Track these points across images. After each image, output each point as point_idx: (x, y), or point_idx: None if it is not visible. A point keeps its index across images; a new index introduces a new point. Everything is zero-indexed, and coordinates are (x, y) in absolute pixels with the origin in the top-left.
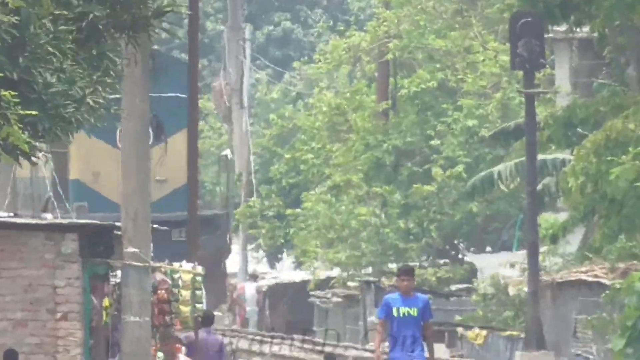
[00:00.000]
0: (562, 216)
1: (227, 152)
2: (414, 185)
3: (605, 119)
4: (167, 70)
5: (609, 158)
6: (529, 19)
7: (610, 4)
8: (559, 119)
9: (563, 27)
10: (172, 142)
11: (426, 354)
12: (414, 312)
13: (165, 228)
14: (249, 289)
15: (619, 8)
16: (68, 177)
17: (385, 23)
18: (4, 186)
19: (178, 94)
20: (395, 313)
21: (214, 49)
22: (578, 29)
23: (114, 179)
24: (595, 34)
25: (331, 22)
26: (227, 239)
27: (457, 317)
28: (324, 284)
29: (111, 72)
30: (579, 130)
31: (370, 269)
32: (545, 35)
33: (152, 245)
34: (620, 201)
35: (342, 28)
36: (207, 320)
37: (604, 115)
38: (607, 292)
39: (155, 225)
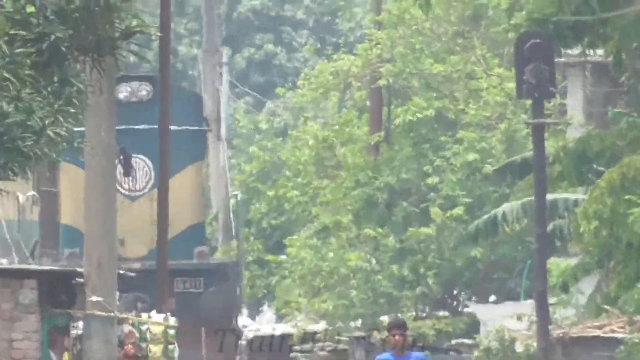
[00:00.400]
0: (575, 262)
1: (237, 193)
2: (410, 228)
3: (622, 153)
4: (172, 100)
5: (626, 197)
6: (538, 41)
7: (627, 23)
8: (571, 153)
9: (576, 51)
10: (177, 179)
11: None
12: None
13: (132, 274)
14: None
15: (636, 28)
16: (59, 221)
17: (377, 46)
18: None
19: (184, 127)
20: None
21: (188, 75)
22: (592, 52)
23: None
24: (611, 58)
25: (318, 45)
26: (238, 291)
27: None
28: (308, 337)
29: (74, 101)
30: (594, 165)
31: (360, 322)
32: (556, 60)
33: (151, 295)
34: (638, 247)
35: (329, 51)
36: None
37: (622, 150)
38: (622, 347)
39: (122, 272)
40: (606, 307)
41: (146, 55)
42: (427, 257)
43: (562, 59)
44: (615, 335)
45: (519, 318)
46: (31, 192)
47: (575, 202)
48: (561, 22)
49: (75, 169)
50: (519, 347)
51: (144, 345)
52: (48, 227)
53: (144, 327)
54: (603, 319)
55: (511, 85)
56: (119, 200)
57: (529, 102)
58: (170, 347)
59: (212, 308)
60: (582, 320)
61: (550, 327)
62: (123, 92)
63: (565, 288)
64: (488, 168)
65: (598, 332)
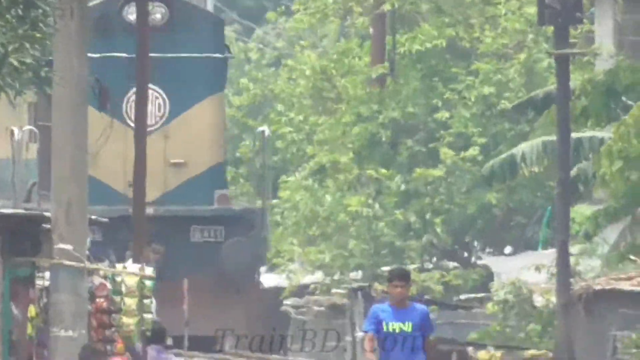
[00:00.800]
0: (600, 209)
1: (264, 127)
2: (417, 169)
3: None
4: (190, 24)
5: None
6: None
7: None
8: (599, 86)
9: None
10: (192, 114)
11: None
12: (408, 327)
13: (105, 220)
14: None
15: None
16: None
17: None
18: None
19: (202, 54)
20: (385, 328)
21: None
22: None
23: (118, 164)
24: None
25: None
26: (265, 241)
27: (470, 334)
28: (302, 290)
29: (40, 25)
30: (624, 100)
31: (360, 274)
32: None
33: (165, 245)
34: None
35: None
36: (157, 335)
37: None
38: None
39: (93, 217)
40: (632, 257)
41: None
42: (435, 202)
43: None
44: None
45: (538, 270)
46: (28, 127)
47: (602, 142)
48: None
49: None
50: (537, 302)
51: (117, 298)
52: (48, 167)
53: (117, 279)
54: (631, 269)
55: (532, 10)
56: (129, 135)
57: (551, 29)
58: (147, 300)
59: (233, 261)
60: (607, 272)
61: (571, 280)
62: (134, 14)
63: (588, 236)
64: (505, 103)
65: (624, 286)
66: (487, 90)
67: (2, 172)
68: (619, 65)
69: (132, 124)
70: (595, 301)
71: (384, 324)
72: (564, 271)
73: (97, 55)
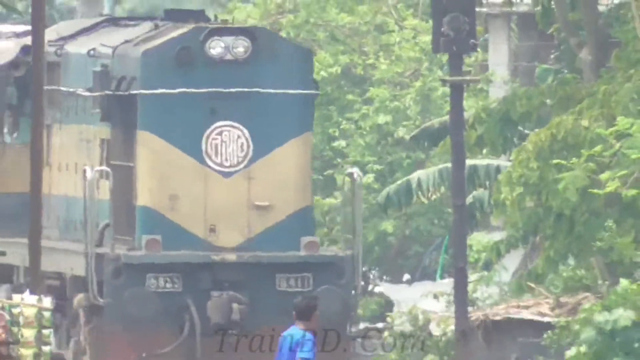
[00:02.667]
0: (498, 236)
1: (355, 169)
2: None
3: (551, 114)
4: (276, 58)
5: (555, 161)
6: None
7: None
8: (494, 114)
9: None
10: (277, 155)
11: None
12: None
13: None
14: None
15: None
16: (135, 201)
17: None
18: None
19: (289, 90)
20: None
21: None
22: (518, 1)
23: (198, 205)
24: (539, 8)
25: None
26: (356, 290)
27: None
28: None
29: None
30: (520, 128)
31: None
32: (477, 10)
33: (248, 295)
34: (570, 217)
35: None
36: None
37: (550, 110)
38: (551, 331)
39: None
40: (531, 285)
41: (16, 6)
42: (332, 231)
43: (484, 9)
44: (543, 318)
45: (436, 297)
46: (101, 167)
47: (498, 169)
48: None
49: (156, 139)
50: (435, 330)
51: (15, 329)
52: (120, 209)
53: (15, 310)
54: (530, 297)
55: (427, 38)
56: (210, 176)
57: (446, 57)
58: (45, 331)
59: (322, 311)
60: (507, 300)
61: (469, 308)
62: (216, 47)
63: (487, 265)
64: (401, 131)
65: (524, 314)
66: (383, 119)
67: (73, 210)
68: (514, 93)
69: (212, 164)
70: (494, 330)
71: None
72: (462, 299)
73: (176, 90)
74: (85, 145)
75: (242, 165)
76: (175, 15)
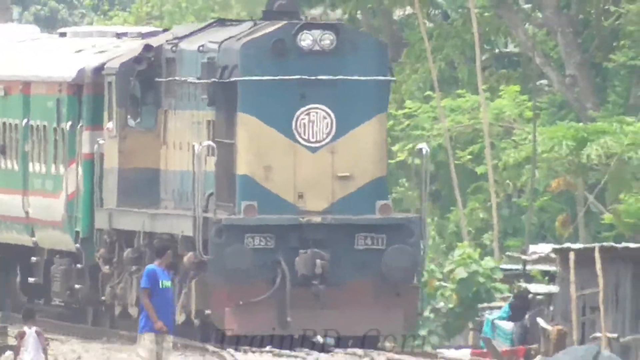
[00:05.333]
0: None
1: (424, 145)
2: None
3: None
4: (356, 49)
5: None
6: (285, 2)
7: None
8: None
9: (318, 10)
10: (358, 132)
11: None
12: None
13: None
14: None
15: None
16: (235, 172)
17: (148, 4)
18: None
19: (368, 77)
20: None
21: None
22: (331, 12)
23: (288, 176)
24: (347, 16)
25: (96, 2)
26: (423, 248)
27: None
28: None
29: None
30: None
31: None
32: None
33: (330, 252)
34: None
35: (106, 7)
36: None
37: None
38: None
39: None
40: None
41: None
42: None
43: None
44: None
45: None
46: (207, 143)
47: None
48: None
49: (254, 119)
50: None
51: None
52: (223, 179)
53: None
54: None
55: None
56: (299, 151)
57: None
58: None
59: (394, 266)
60: None
61: None
62: (305, 40)
63: None
64: None
65: None
66: None
67: (185, 182)
68: None
69: (301, 141)
70: None
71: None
72: None
73: (271, 77)
74: (195, 126)
75: (326, 142)
76: (272, 15)
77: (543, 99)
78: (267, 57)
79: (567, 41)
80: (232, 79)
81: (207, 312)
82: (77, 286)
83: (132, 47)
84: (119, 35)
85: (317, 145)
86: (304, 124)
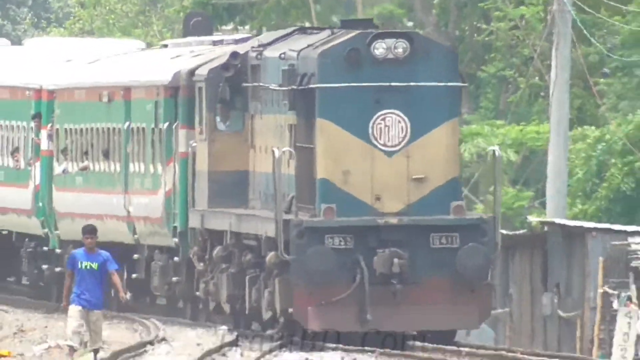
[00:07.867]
0: None
1: (496, 147)
2: None
3: None
4: (428, 57)
5: None
6: (200, 19)
7: (269, 7)
8: None
9: (230, 27)
10: (432, 136)
11: None
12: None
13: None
14: None
15: (276, 11)
16: (315, 176)
17: (80, 21)
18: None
19: (440, 83)
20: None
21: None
22: (242, 28)
23: (366, 179)
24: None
25: (36, 20)
26: (496, 247)
27: None
28: None
29: None
30: None
31: None
32: (215, 34)
33: (407, 251)
34: None
35: (44, 24)
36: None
37: None
38: None
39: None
40: None
41: None
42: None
43: (219, 34)
44: None
45: None
46: (285, 148)
47: None
48: (218, 4)
49: (332, 125)
50: None
51: None
52: (303, 182)
53: None
54: None
55: None
56: (376, 155)
57: None
58: None
59: (468, 264)
60: None
61: None
62: (379, 48)
63: None
64: None
65: None
66: None
67: (270, 184)
68: None
69: (378, 145)
70: None
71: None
72: None
73: (347, 84)
74: (278, 130)
75: (402, 146)
76: (349, 24)
77: None
78: (343, 65)
79: None
80: (311, 85)
81: (290, 310)
82: (174, 279)
83: (221, 54)
84: (215, 43)
85: (393, 149)
86: (380, 128)
